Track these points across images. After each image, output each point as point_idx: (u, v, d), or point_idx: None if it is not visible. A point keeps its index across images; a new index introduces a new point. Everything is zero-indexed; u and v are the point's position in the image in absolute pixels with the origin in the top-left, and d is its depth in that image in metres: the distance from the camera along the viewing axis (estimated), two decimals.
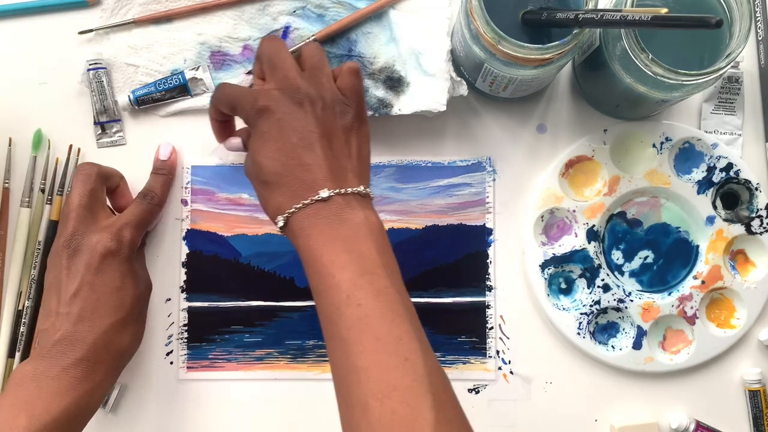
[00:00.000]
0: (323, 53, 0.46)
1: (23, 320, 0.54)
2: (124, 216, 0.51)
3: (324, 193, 0.41)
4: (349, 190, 0.42)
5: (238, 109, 0.45)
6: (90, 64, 0.55)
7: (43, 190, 0.55)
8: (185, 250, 0.56)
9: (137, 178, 0.55)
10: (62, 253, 0.48)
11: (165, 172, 0.54)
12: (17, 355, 0.54)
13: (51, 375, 0.45)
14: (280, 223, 0.42)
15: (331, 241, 0.41)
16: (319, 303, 0.41)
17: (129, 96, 0.55)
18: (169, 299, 0.55)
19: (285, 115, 0.43)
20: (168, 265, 0.55)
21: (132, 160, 0.55)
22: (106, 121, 0.56)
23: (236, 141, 0.49)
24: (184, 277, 0.55)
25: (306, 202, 0.41)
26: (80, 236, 0.48)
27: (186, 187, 0.56)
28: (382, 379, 0.37)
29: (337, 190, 0.42)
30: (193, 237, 0.56)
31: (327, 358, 0.55)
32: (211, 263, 0.56)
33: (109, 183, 0.52)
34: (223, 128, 0.50)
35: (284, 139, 0.42)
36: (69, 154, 0.55)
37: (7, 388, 0.45)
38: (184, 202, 0.56)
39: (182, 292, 0.55)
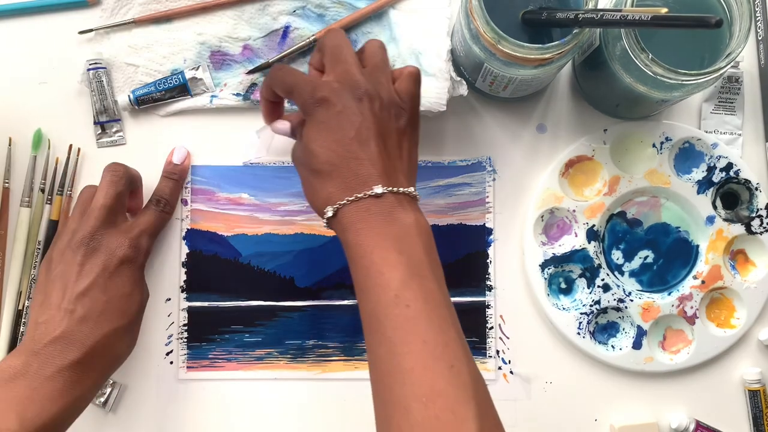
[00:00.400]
0: (386, 53, 0.46)
1: (23, 320, 0.54)
2: (141, 223, 0.51)
3: (378, 189, 0.41)
4: (401, 189, 0.42)
5: (295, 94, 0.44)
6: (90, 64, 0.55)
7: (43, 190, 0.55)
8: (185, 249, 0.56)
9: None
10: (78, 249, 0.47)
11: (176, 177, 0.54)
12: None
13: (45, 375, 0.44)
14: (329, 214, 0.42)
15: (382, 238, 0.41)
16: (363, 299, 0.41)
17: (129, 96, 0.55)
18: (169, 299, 0.55)
19: (344, 109, 0.42)
20: (168, 265, 0.55)
21: (132, 160, 0.55)
22: (106, 121, 0.56)
23: (284, 126, 0.48)
24: (184, 277, 0.55)
25: (359, 195, 0.41)
26: (100, 237, 0.48)
27: (186, 187, 0.56)
28: (426, 383, 0.37)
29: (390, 188, 0.42)
30: (193, 237, 0.56)
31: (326, 358, 0.55)
32: (211, 263, 0.56)
33: (132, 186, 0.52)
34: (273, 109, 0.50)
35: (341, 131, 0.42)
36: (69, 154, 0.55)
37: None
38: (184, 202, 0.56)
39: (182, 292, 0.55)
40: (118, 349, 0.48)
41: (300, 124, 0.45)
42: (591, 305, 0.55)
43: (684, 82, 0.45)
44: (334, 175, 0.42)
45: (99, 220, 0.48)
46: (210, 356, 0.55)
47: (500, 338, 0.56)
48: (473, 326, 0.55)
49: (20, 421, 0.42)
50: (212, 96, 0.55)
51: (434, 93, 0.52)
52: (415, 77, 0.46)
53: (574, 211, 0.55)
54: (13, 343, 0.54)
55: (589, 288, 0.55)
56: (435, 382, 0.37)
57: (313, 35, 0.54)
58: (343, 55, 0.44)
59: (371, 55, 0.46)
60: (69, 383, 0.44)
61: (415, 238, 0.41)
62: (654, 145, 0.55)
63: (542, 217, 0.55)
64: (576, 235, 0.55)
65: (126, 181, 0.50)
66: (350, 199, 0.41)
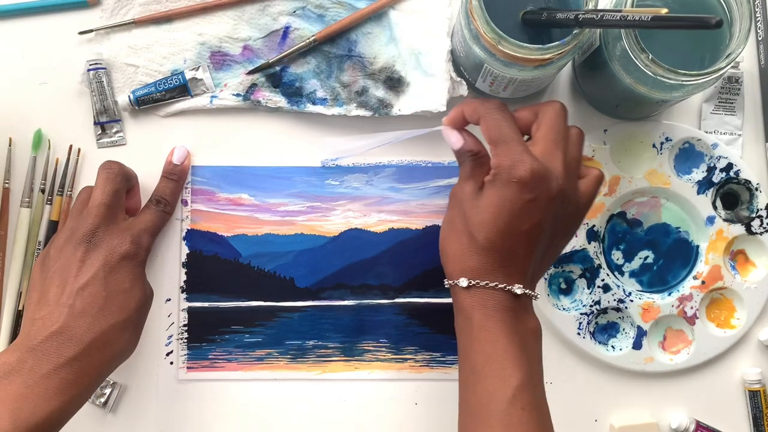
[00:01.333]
0: (583, 142, 0.47)
1: (23, 320, 0.54)
2: (141, 221, 0.51)
3: (518, 290, 0.43)
4: (532, 293, 0.44)
5: (497, 152, 0.44)
6: (90, 64, 0.55)
7: (43, 190, 0.55)
8: (185, 250, 0.56)
9: (138, 178, 0.55)
10: (79, 246, 0.47)
11: (176, 177, 0.54)
12: None
13: (41, 373, 0.43)
14: (463, 284, 0.43)
15: (511, 333, 0.42)
16: (473, 382, 0.42)
17: (129, 96, 0.55)
18: (169, 299, 0.55)
19: (534, 200, 0.42)
20: (168, 265, 0.55)
21: (132, 160, 0.55)
22: (106, 121, 0.56)
23: (458, 140, 0.46)
24: (184, 277, 0.55)
25: (501, 286, 0.43)
26: (101, 233, 0.48)
27: (186, 187, 0.56)
28: None
29: (527, 291, 0.44)
30: (193, 237, 0.56)
31: (326, 359, 0.55)
32: (211, 263, 0.56)
33: (128, 184, 0.52)
34: (461, 122, 0.48)
35: (518, 220, 0.43)
36: (69, 154, 0.55)
37: None
38: (184, 202, 0.56)
39: (182, 292, 0.55)
40: (117, 345, 0.47)
41: (481, 171, 0.45)
42: (591, 305, 0.55)
43: (684, 83, 0.45)
44: (487, 253, 0.43)
45: (99, 217, 0.48)
46: (210, 357, 0.55)
47: None
48: None
49: (13, 420, 0.41)
50: (212, 96, 0.55)
51: (434, 93, 0.52)
52: (600, 182, 0.47)
53: None
54: None
55: (589, 288, 0.55)
56: None
57: (313, 36, 0.54)
58: (558, 139, 0.44)
59: (572, 144, 0.45)
60: (65, 382, 0.43)
61: (535, 343, 0.44)
62: (654, 146, 0.55)
63: None
64: (576, 236, 0.55)
65: (122, 179, 0.50)
66: (491, 284, 0.43)
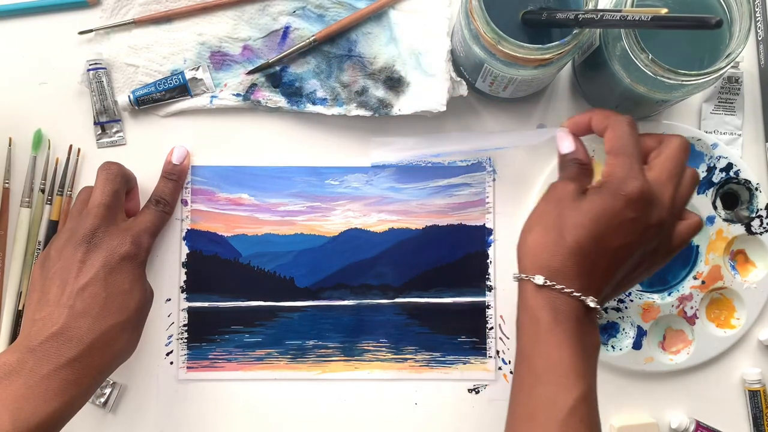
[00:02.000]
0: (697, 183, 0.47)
1: (23, 320, 0.54)
2: (141, 222, 0.51)
3: (591, 303, 0.42)
4: (600, 308, 0.43)
5: (610, 161, 0.44)
6: (90, 64, 0.55)
7: (43, 190, 0.55)
8: (185, 250, 0.56)
9: (137, 178, 0.55)
10: (79, 246, 0.47)
11: (175, 177, 0.54)
12: None
13: (41, 373, 0.43)
14: (539, 281, 0.42)
15: (577, 342, 0.41)
16: (532, 384, 0.42)
17: (129, 96, 0.55)
18: (169, 299, 0.55)
19: (634, 221, 0.42)
20: (168, 265, 0.55)
21: (132, 160, 0.55)
22: (106, 121, 0.56)
23: (570, 145, 0.47)
24: (184, 277, 0.55)
25: (576, 294, 0.42)
26: (102, 234, 0.48)
27: (186, 187, 0.56)
28: None
29: (599, 307, 0.43)
30: (193, 237, 0.56)
31: (326, 359, 0.55)
32: (211, 263, 0.56)
33: (128, 185, 0.52)
34: (584, 128, 0.48)
35: (612, 235, 0.42)
36: (69, 154, 0.55)
37: None
38: (184, 202, 0.56)
39: (182, 292, 0.55)
40: (117, 346, 0.47)
41: (585, 179, 0.46)
42: None
43: (684, 83, 0.45)
44: (572, 257, 0.42)
45: (99, 218, 0.48)
46: (210, 356, 0.55)
47: (500, 338, 0.56)
48: (473, 326, 0.55)
49: (13, 420, 0.41)
50: (212, 96, 0.55)
51: (434, 93, 0.52)
52: (699, 229, 0.46)
53: None
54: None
55: None
56: None
57: (313, 35, 0.54)
58: (674, 173, 0.44)
59: (686, 183, 0.45)
60: (65, 382, 0.43)
61: (595, 359, 0.43)
62: None
63: None
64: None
65: (122, 179, 0.50)
66: (568, 290, 0.42)
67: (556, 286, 0.42)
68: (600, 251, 0.42)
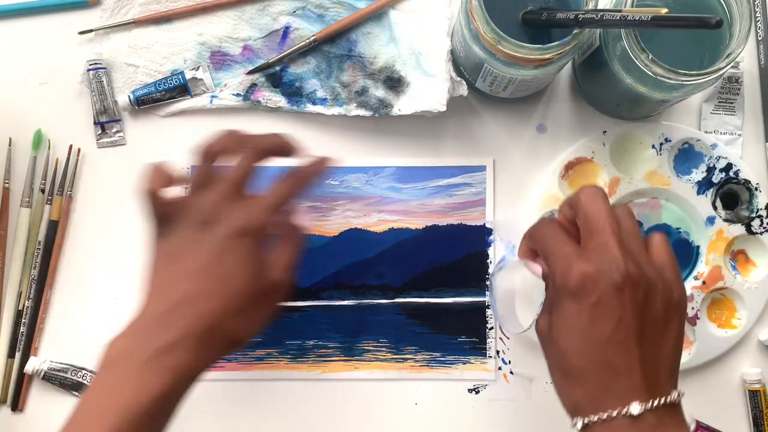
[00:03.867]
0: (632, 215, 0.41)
1: (23, 320, 0.54)
2: (265, 199, 0.44)
3: (635, 410, 0.36)
4: (662, 401, 0.36)
5: (549, 266, 0.40)
6: (90, 64, 0.55)
7: (43, 190, 0.55)
8: None
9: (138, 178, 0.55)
10: (198, 226, 0.42)
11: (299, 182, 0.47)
12: (17, 355, 0.54)
13: (151, 355, 0.39)
14: (578, 426, 0.37)
15: None
16: None
17: (129, 96, 0.55)
18: None
19: (601, 300, 0.37)
20: None
21: (132, 160, 0.55)
22: (106, 121, 0.56)
23: (537, 270, 0.42)
24: None
25: (613, 414, 0.36)
26: (224, 213, 0.42)
27: (186, 188, 0.56)
28: None
29: (649, 404, 0.36)
30: None
31: (326, 358, 0.55)
32: None
33: (259, 164, 0.46)
34: (527, 252, 0.43)
35: (595, 329, 0.37)
36: (69, 154, 0.55)
37: (102, 364, 0.40)
38: None
39: None
40: (229, 330, 0.42)
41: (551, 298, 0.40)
42: None
43: (684, 83, 0.45)
44: (584, 381, 0.37)
45: (219, 195, 0.43)
46: None
47: (500, 338, 0.56)
48: (473, 326, 0.55)
49: (124, 404, 0.38)
50: (212, 96, 0.55)
51: (434, 93, 0.52)
52: (667, 241, 0.41)
53: None
54: (13, 343, 0.54)
55: None
56: None
57: (313, 35, 0.54)
58: (602, 224, 0.38)
59: (622, 220, 0.40)
60: (175, 366, 0.40)
61: None
62: (653, 147, 0.55)
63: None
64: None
65: (255, 157, 0.45)
66: (602, 417, 0.36)
67: (594, 420, 0.37)
68: (601, 352, 0.37)
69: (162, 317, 0.41)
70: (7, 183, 0.55)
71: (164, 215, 0.44)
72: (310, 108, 0.55)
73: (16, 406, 0.54)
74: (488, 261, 0.56)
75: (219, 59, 0.56)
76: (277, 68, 0.55)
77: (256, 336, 0.45)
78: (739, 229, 0.55)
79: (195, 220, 0.43)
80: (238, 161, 0.44)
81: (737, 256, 0.56)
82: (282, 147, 0.45)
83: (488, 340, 0.55)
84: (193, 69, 0.55)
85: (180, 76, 0.55)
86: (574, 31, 0.45)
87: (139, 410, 0.39)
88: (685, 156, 0.56)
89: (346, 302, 0.56)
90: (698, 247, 0.56)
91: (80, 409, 0.39)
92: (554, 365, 0.40)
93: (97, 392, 0.40)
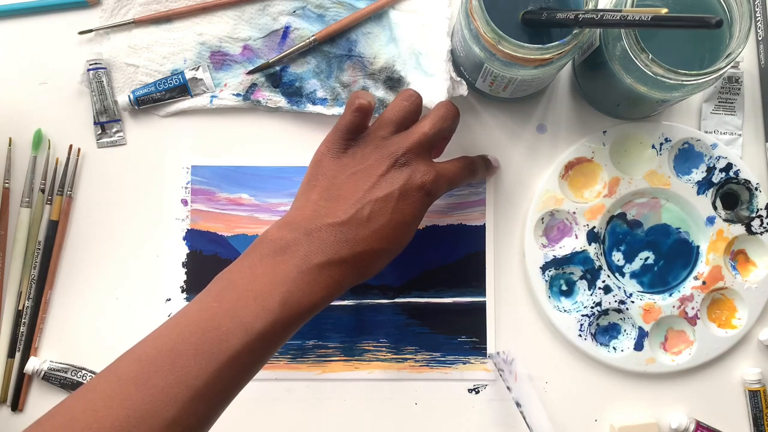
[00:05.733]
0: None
1: (23, 320, 0.54)
2: (447, 168, 0.48)
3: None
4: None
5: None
6: (90, 64, 0.55)
7: (43, 190, 0.55)
8: (185, 250, 0.56)
9: (138, 178, 0.55)
10: (386, 160, 0.45)
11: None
12: (17, 355, 0.54)
13: (314, 262, 0.42)
14: None
15: None
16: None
17: (129, 96, 0.55)
18: (169, 299, 0.55)
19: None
20: (168, 265, 0.55)
21: (132, 160, 0.55)
22: (106, 121, 0.56)
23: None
24: (184, 277, 0.55)
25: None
26: (411, 160, 0.46)
27: (186, 187, 0.56)
28: None
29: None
30: (193, 237, 0.56)
31: (326, 358, 0.55)
32: (211, 263, 0.56)
33: (450, 132, 0.50)
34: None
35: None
36: (69, 154, 0.55)
37: (261, 250, 0.43)
38: (184, 202, 0.56)
39: (182, 292, 0.55)
40: (371, 269, 0.45)
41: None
42: (592, 307, 0.55)
43: (684, 83, 0.45)
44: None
45: (416, 144, 0.46)
46: None
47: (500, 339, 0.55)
48: (473, 326, 0.55)
49: (282, 302, 0.41)
50: (212, 96, 0.55)
51: (434, 93, 0.52)
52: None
53: (574, 213, 0.55)
54: (13, 343, 0.54)
55: (590, 290, 0.55)
56: None
57: (313, 35, 0.54)
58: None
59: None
60: (331, 279, 0.42)
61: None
62: (653, 147, 0.55)
63: (542, 219, 0.55)
64: (576, 237, 0.55)
65: (452, 124, 0.49)
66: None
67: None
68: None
69: (341, 230, 0.43)
70: (7, 183, 0.55)
71: (361, 133, 0.47)
72: (310, 108, 0.55)
73: (16, 406, 0.54)
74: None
75: (219, 59, 0.56)
76: (277, 68, 0.55)
77: None
78: (739, 229, 0.55)
79: (388, 152, 0.46)
80: (430, 128, 0.47)
81: (737, 256, 0.56)
82: (455, 121, 0.49)
83: (488, 341, 0.55)
84: (193, 69, 0.55)
85: (180, 76, 0.55)
86: (574, 31, 0.45)
87: (299, 310, 0.41)
88: (685, 156, 0.56)
89: (346, 302, 0.56)
90: (698, 247, 0.56)
91: (248, 279, 0.42)
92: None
93: (267, 274, 0.42)
